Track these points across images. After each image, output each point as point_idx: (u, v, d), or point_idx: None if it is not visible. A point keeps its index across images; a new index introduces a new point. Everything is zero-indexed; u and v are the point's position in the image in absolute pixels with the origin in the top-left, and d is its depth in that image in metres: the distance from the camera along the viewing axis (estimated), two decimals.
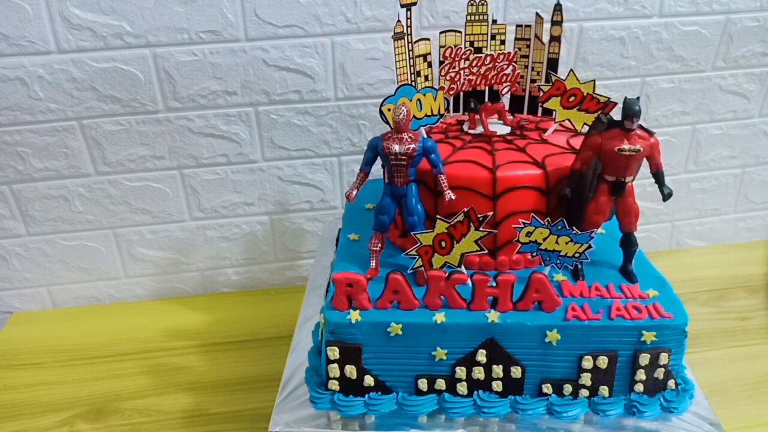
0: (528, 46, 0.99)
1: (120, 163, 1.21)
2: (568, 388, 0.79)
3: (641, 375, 0.78)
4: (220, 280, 1.38)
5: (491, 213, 0.77)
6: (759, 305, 1.27)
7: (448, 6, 1.15)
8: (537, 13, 0.97)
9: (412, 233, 0.79)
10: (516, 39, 0.99)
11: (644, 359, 0.77)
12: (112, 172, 1.22)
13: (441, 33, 0.95)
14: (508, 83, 0.95)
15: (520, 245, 0.79)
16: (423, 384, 0.80)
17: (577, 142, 0.85)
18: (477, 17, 0.95)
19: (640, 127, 0.77)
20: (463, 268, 0.80)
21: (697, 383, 0.82)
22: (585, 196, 0.81)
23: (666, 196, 0.79)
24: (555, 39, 0.96)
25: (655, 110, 1.31)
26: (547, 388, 0.79)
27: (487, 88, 0.96)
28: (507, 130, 0.94)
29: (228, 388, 1.09)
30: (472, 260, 0.84)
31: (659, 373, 0.78)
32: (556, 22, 0.96)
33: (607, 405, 0.78)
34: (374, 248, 0.84)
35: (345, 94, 1.20)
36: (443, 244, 0.78)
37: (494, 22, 0.97)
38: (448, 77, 0.91)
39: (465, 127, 0.96)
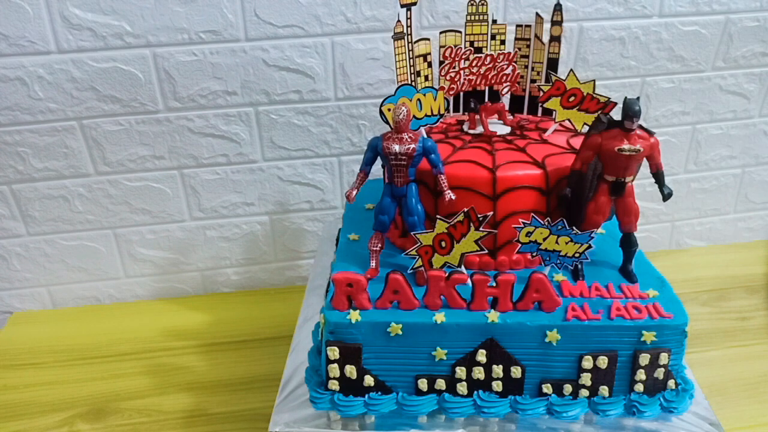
0: (528, 46, 0.99)
1: (120, 163, 1.21)
2: (568, 388, 0.79)
3: (641, 375, 0.78)
4: (220, 280, 1.38)
5: (491, 213, 0.77)
6: (759, 305, 1.27)
7: (448, 6, 1.15)
8: (537, 13, 0.97)
9: (412, 233, 0.79)
10: (516, 39, 0.99)
11: (644, 359, 0.77)
12: (112, 172, 1.22)
13: (441, 33, 0.95)
14: (508, 83, 0.95)
15: (520, 245, 0.79)
16: (423, 384, 0.80)
17: (577, 142, 0.85)
18: (477, 17, 0.95)
19: (640, 127, 0.77)
20: (463, 268, 0.80)
21: (697, 383, 0.82)
22: (585, 196, 0.81)
23: (666, 196, 0.79)
24: (555, 39, 0.96)
25: (655, 110, 1.31)
26: (547, 388, 0.79)
27: (487, 88, 0.96)
28: (507, 130, 0.94)
29: (228, 388, 1.09)
30: (472, 260, 0.84)
31: (659, 373, 0.78)
32: (556, 22, 0.96)
33: (607, 405, 0.78)
34: (374, 248, 0.84)
35: (345, 94, 1.20)
36: (443, 244, 0.78)
37: (494, 22, 0.97)
38: (448, 77, 0.91)
39: (465, 127, 0.96)
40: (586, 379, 0.78)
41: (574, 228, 0.77)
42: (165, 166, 1.23)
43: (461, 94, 1.00)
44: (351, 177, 1.29)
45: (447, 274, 0.76)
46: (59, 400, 1.07)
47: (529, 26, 0.98)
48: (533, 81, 1.00)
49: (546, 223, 0.77)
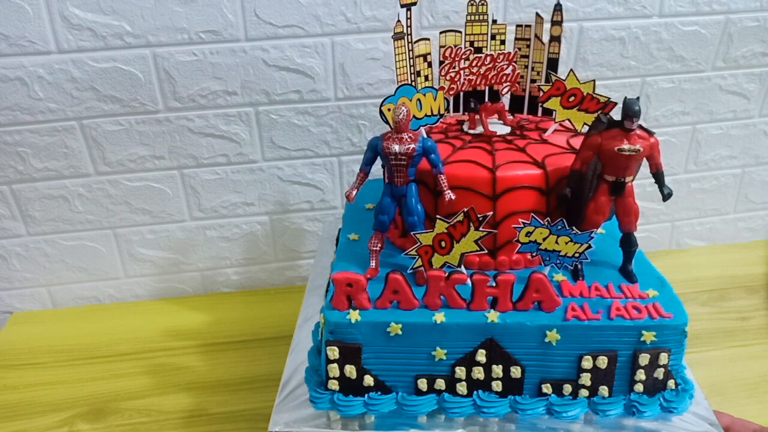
0: (528, 46, 0.99)
1: (120, 163, 1.21)
2: (567, 388, 0.79)
3: (641, 375, 0.78)
4: (220, 280, 1.38)
5: (491, 213, 0.77)
6: (759, 305, 1.27)
7: (448, 6, 1.15)
8: (537, 13, 0.97)
9: (412, 233, 0.79)
10: (516, 39, 0.99)
11: (644, 359, 0.77)
12: (112, 172, 1.22)
13: (441, 33, 0.95)
14: (508, 83, 0.95)
15: (520, 245, 0.79)
16: (423, 384, 0.80)
17: (577, 142, 0.85)
18: (477, 17, 0.95)
19: (640, 127, 0.77)
20: (462, 268, 0.80)
21: (697, 383, 0.82)
22: (585, 196, 0.81)
23: (666, 196, 0.79)
24: (555, 39, 0.96)
25: (655, 110, 1.31)
26: (546, 388, 0.79)
27: (487, 88, 0.96)
28: (507, 130, 0.94)
29: (228, 388, 1.09)
30: (472, 260, 0.84)
31: (659, 373, 0.78)
32: (556, 22, 0.96)
33: (606, 405, 0.78)
34: (374, 248, 0.84)
35: (345, 94, 1.20)
36: (443, 244, 0.78)
37: (494, 22, 0.97)
38: (448, 77, 0.91)
39: (465, 127, 0.96)
40: (585, 379, 0.78)
41: (573, 228, 0.77)
42: (165, 166, 1.23)
43: (461, 94, 1.00)
44: (351, 177, 1.29)
45: (447, 274, 0.76)
46: (59, 400, 1.07)
47: (529, 26, 0.98)
48: (533, 81, 1.00)
49: (546, 223, 0.77)
